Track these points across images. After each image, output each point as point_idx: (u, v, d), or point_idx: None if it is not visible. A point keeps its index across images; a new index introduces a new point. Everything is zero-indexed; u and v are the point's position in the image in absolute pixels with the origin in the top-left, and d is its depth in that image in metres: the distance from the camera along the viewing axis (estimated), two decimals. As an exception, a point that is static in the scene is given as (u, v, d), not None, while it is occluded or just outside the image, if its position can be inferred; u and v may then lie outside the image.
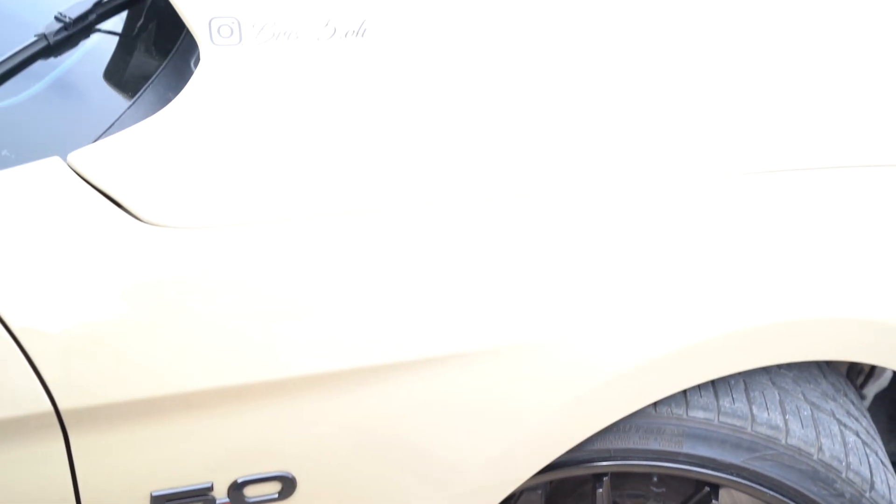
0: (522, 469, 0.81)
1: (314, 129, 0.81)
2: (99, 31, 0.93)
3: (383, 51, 0.95)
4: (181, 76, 0.93)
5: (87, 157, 0.69)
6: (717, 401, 0.82)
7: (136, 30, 0.99)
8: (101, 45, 0.91)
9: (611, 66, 1.00)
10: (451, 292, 0.73)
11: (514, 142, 0.83)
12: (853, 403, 0.92)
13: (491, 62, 0.95)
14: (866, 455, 0.87)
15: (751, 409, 0.81)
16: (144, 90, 0.88)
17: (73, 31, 0.85)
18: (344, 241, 0.71)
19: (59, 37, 0.82)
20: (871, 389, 1.11)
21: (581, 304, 0.74)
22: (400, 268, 0.72)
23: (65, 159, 0.69)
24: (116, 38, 0.96)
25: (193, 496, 0.73)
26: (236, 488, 0.74)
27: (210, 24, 0.91)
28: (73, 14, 0.84)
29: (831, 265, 0.80)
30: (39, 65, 0.81)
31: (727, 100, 0.92)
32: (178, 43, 0.99)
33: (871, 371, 1.10)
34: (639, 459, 0.84)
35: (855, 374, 1.08)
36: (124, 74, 0.91)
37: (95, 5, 0.89)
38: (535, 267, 0.74)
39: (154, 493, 0.72)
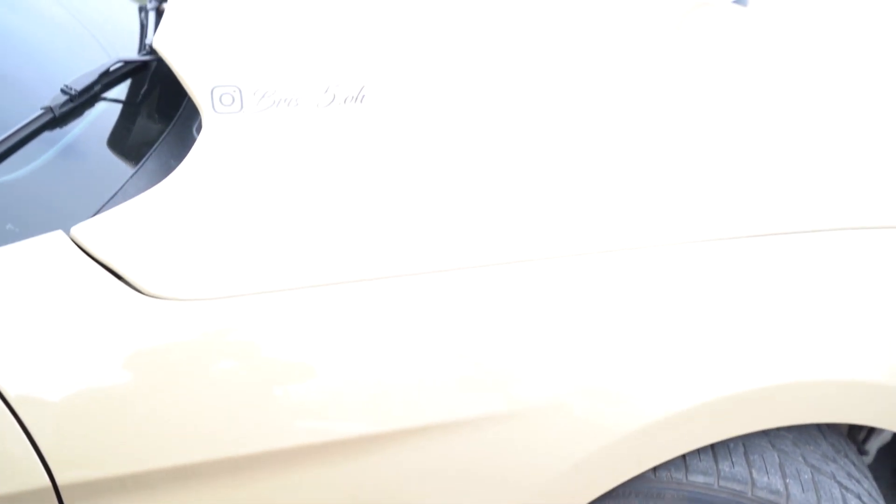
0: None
1: (313, 198, 0.82)
2: (104, 99, 0.95)
3: (382, 116, 0.97)
4: (183, 143, 0.95)
5: (89, 231, 0.70)
6: (717, 465, 0.81)
7: (140, 97, 1.02)
8: (105, 113, 0.93)
9: (608, 130, 1.02)
10: (449, 361, 0.73)
11: (514, 208, 0.84)
12: (854, 464, 0.92)
13: (489, 127, 0.97)
14: (868, 518, 0.86)
15: (750, 473, 0.81)
16: (147, 158, 0.89)
17: (79, 103, 0.87)
18: (342, 312, 0.72)
19: (64, 108, 0.84)
20: (874, 445, 1.10)
21: (578, 371, 0.75)
22: (398, 336, 0.73)
23: (68, 232, 0.70)
24: (120, 106, 0.97)
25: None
26: None
27: (212, 92, 0.93)
28: (79, 86, 0.86)
29: (827, 328, 0.81)
30: (45, 136, 0.82)
31: (717, 165, 0.94)
32: (181, 109, 1.02)
33: (873, 427, 1.09)
34: (639, 525, 0.83)
35: (856, 431, 1.08)
36: (128, 142, 0.93)
37: (101, 76, 0.91)
38: (532, 334, 0.74)
39: None
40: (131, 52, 1.12)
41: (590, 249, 0.79)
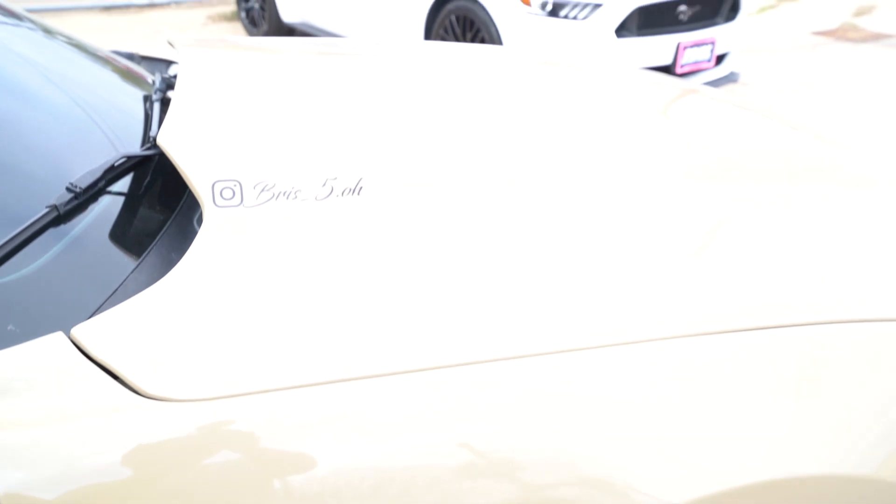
0: None
1: (311, 294, 0.83)
2: (108, 192, 0.98)
3: (379, 208, 0.99)
4: (184, 235, 0.97)
5: (89, 332, 0.72)
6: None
7: (142, 189, 1.04)
8: (108, 206, 0.95)
9: (602, 210, 1.05)
10: (449, 453, 0.73)
11: (516, 301, 0.85)
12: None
13: (486, 220, 1.00)
14: None
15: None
16: (149, 251, 0.91)
17: (83, 199, 0.89)
18: (342, 411, 0.72)
19: (69, 206, 0.86)
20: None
21: (575, 465, 0.75)
22: (399, 434, 0.73)
23: (69, 333, 0.72)
24: (123, 198, 1.00)
25: None
26: None
27: (213, 186, 0.95)
28: (84, 183, 0.88)
29: (827, 422, 0.82)
30: (49, 233, 0.84)
31: (711, 259, 0.96)
32: (182, 200, 1.04)
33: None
34: None
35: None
36: (130, 235, 0.95)
37: (106, 172, 0.93)
38: (533, 430, 0.75)
39: None
40: (135, 140, 1.15)
41: (583, 345, 0.80)
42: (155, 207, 1.02)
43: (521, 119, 1.28)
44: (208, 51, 1.57)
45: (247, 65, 1.46)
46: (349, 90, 1.33)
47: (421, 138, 1.14)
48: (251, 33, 5.98)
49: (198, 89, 1.18)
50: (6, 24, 1.35)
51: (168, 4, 7.11)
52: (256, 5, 5.85)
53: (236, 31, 6.21)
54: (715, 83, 4.31)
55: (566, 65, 1.74)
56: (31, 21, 1.45)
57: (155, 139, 1.03)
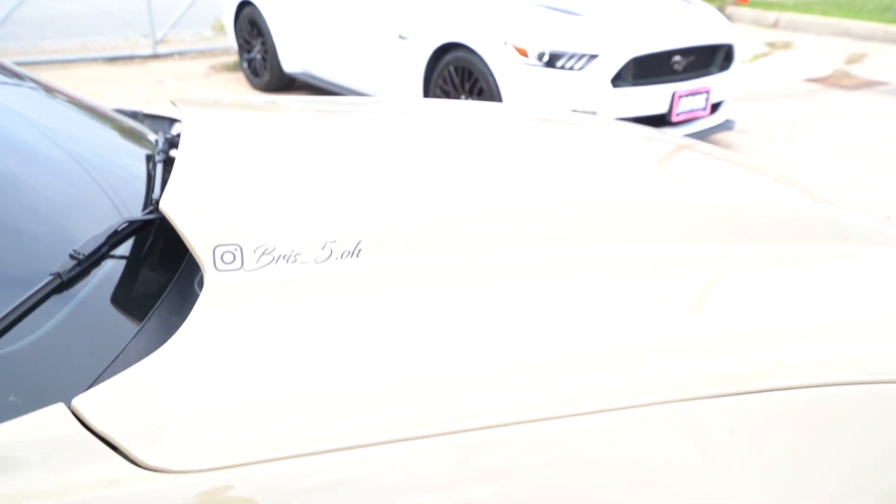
0: None
1: (312, 361, 0.84)
2: (110, 257, 0.99)
3: (378, 270, 1.01)
4: (185, 298, 0.98)
5: (89, 403, 0.72)
6: None
7: (144, 251, 1.05)
8: (110, 272, 0.97)
9: (601, 271, 1.06)
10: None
11: (517, 364, 0.86)
12: None
13: (491, 282, 1.01)
14: None
15: None
16: (150, 317, 0.92)
17: (86, 266, 0.90)
18: (343, 479, 0.73)
19: (72, 273, 0.87)
20: None
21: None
22: (400, 500, 0.73)
23: (69, 404, 0.72)
24: (124, 262, 1.01)
25: None
26: None
27: (214, 251, 0.96)
28: (87, 250, 0.90)
29: (827, 485, 0.82)
30: (52, 301, 0.85)
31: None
32: (184, 262, 1.05)
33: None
34: None
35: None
36: (131, 300, 0.96)
37: (109, 237, 0.95)
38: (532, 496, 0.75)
39: None
40: (137, 201, 1.17)
41: (580, 409, 0.81)
42: (156, 270, 1.04)
43: (519, 178, 1.30)
44: (210, 110, 1.60)
45: (248, 124, 1.49)
46: (349, 149, 1.36)
47: (419, 198, 1.16)
48: (253, 83, 6.08)
49: (200, 151, 1.20)
50: (8, 83, 1.37)
51: (171, 55, 7.24)
52: (258, 56, 5.95)
53: (238, 81, 6.31)
54: (711, 131, 4.37)
55: (562, 121, 1.77)
56: (34, 81, 1.48)
57: (157, 203, 1.05)
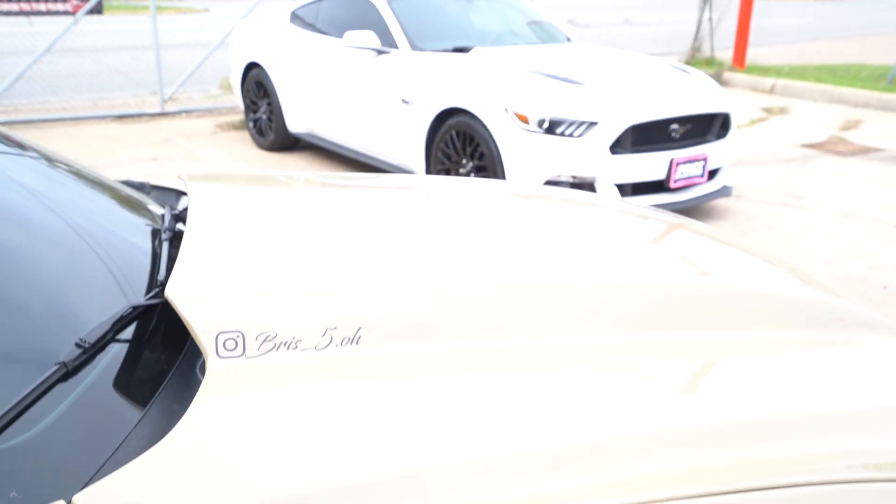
0: None
1: (312, 449, 0.85)
2: (115, 341, 1.00)
3: (378, 357, 1.02)
4: (187, 384, 0.99)
5: (89, 500, 0.73)
6: None
7: (147, 336, 1.07)
8: (113, 359, 0.98)
9: (594, 357, 1.08)
10: None
11: (512, 458, 0.87)
12: None
13: (489, 369, 1.03)
14: None
15: None
16: (151, 404, 0.93)
17: (91, 353, 0.92)
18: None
19: (77, 362, 0.89)
20: None
21: None
22: None
23: (70, 500, 0.73)
24: (127, 348, 1.02)
25: None
26: None
27: (217, 338, 0.98)
28: (93, 338, 0.92)
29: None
30: (56, 391, 0.86)
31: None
32: (186, 346, 1.07)
33: None
34: None
35: None
36: (133, 387, 0.97)
37: (115, 324, 0.96)
38: None
39: None
40: (142, 278, 1.18)
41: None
42: (158, 355, 1.05)
43: (519, 262, 1.32)
44: (216, 186, 1.64)
45: (253, 203, 1.53)
46: (352, 229, 1.39)
47: (420, 284, 1.18)
48: (258, 143, 6.18)
49: (205, 234, 1.23)
50: (11, 154, 1.38)
51: (179, 113, 7.37)
52: (264, 116, 6.07)
53: (244, 140, 6.42)
54: (708, 197, 4.42)
55: (560, 199, 1.81)
56: (37, 151, 1.49)
57: (162, 286, 1.07)
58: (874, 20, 15.30)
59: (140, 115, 7.20)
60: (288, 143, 5.99)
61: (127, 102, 7.65)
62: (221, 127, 6.89)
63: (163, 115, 7.26)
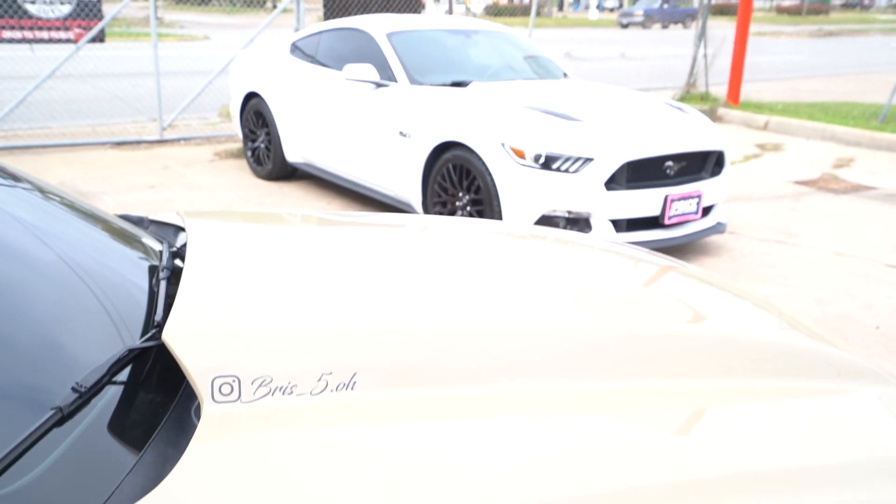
0: None
1: (307, 498, 0.85)
2: (111, 383, 1.01)
3: (373, 403, 1.03)
4: (182, 428, 0.99)
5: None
6: None
7: (143, 378, 1.07)
8: (108, 402, 0.98)
9: (587, 408, 1.08)
10: None
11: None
12: None
13: (486, 419, 1.03)
14: None
15: None
16: (146, 450, 0.93)
17: (88, 398, 0.92)
18: None
19: (73, 407, 0.89)
20: None
21: None
22: None
23: None
24: (122, 390, 1.03)
25: None
26: None
27: (213, 382, 0.99)
28: (89, 383, 0.92)
29: None
30: (52, 435, 0.87)
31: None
32: (181, 389, 1.07)
33: None
34: None
35: None
36: (128, 430, 0.97)
37: (111, 367, 0.97)
38: None
39: None
40: (138, 317, 1.19)
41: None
42: (154, 397, 1.05)
43: (514, 307, 1.33)
44: (214, 224, 1.65)
45: (250, 242, 1.54)
46: (349, 269, 1.40)
47: (416, 329, 1.19)
48: (256, 171, 6.21)
49: (202, 276, 1.24)
50: (4, 185, 1.37)
51: (177, 141, 7.42)
52: (262, 145, 6.11)
53: (241, 168, 6.45)
54: (702, 233, 4.46)
55: (553, 239, 1.82)
56: (30, 183, 1.48)
57: (159, 328, 1.08)
58: (866, 58, 15.53)
59: (139, 143, 7.23)
60: (285, 172, 6.02)
61: (126, 129, 7.69)
62: (219, 155, 6.92)
63: (161, 142, 7.30)
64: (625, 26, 33.48)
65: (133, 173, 6.15)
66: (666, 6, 34.14)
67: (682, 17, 34.25)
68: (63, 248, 1.26)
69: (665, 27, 33.91)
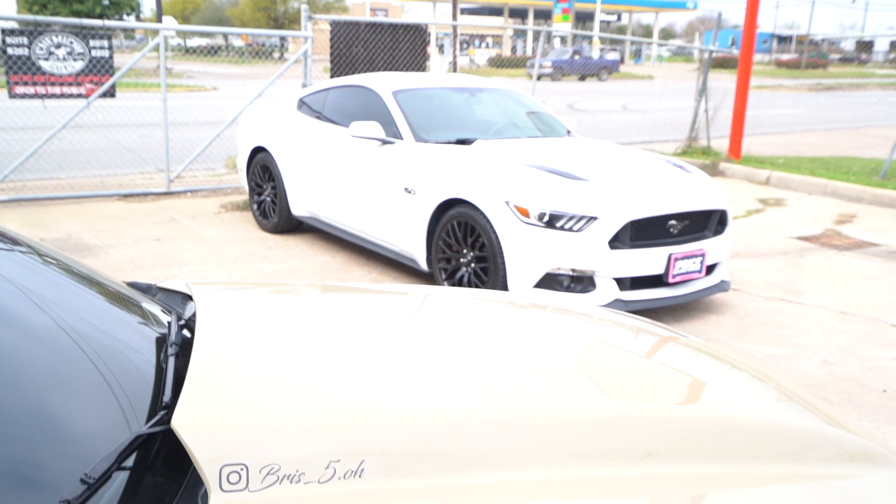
0: None
1: None
2: (119, 469, 1.00)
3: (382, 492, 1.02)
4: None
5: None
6: None
7: (149, 463, 1.07)
8: (115, 490, 0.98)
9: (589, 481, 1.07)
10: None
11: None
12: None
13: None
14: None
15: None
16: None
17: (96, 488, 0.92)
18: None
19: (82, 499, 0.89)
20: None
21: None
22: None
23: None
24: (128, 476, 1.02)
25: None
26: None
27: (221, 471, 0.99)
28: (97, 473, 0.92)
29: None
30: None
31: None
32: (188, 476, 1.06)
33: None
34: None
35: None
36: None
37: (119, 455, 0.97)
38: None
39: None
40: (145, 395, 1.19)
41: None
42: (161, 484, 1.05)
43: (516, 384, 1.33)
44: (223, 296, 1.66)
45: (259, 316, 1.55)
46: (354, 349, 1.40)
47: (425, 414, 1.18)
48: (261, 224, 6.25)
49: (211, 360, 1.24)
50: (7, 251, 1.37)
51: (184, 193, 7.49)
52: (268, 199, 6.16)
53: (247, 220, 6.49)
54: (706, 292, 4.46)
55: (553, 309, 1.83)
56: (35, 251, 1.47)
57: (166, 411, 1.08)
58: (864, 113, 15.71)
59: (146, 195, 7.30)
60: (291, 225, 6.06)
61: (133, 181, 7.78)
62: (225, 207, 6.98)
63: (168, 194, 7.37)
64: (538, 78, 31.81)
65: (140, 226, 6.19)
66: (577, 57, 32.26)
67: (597, 69, 32.40)
68: (69, 321, 1.26)
69: (582, 79, 31.93)
